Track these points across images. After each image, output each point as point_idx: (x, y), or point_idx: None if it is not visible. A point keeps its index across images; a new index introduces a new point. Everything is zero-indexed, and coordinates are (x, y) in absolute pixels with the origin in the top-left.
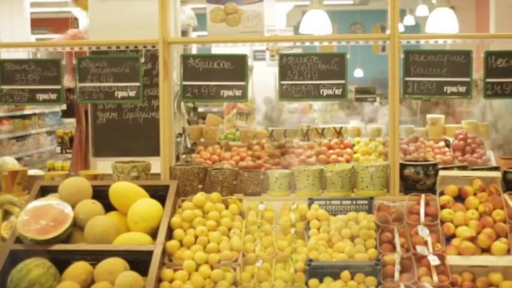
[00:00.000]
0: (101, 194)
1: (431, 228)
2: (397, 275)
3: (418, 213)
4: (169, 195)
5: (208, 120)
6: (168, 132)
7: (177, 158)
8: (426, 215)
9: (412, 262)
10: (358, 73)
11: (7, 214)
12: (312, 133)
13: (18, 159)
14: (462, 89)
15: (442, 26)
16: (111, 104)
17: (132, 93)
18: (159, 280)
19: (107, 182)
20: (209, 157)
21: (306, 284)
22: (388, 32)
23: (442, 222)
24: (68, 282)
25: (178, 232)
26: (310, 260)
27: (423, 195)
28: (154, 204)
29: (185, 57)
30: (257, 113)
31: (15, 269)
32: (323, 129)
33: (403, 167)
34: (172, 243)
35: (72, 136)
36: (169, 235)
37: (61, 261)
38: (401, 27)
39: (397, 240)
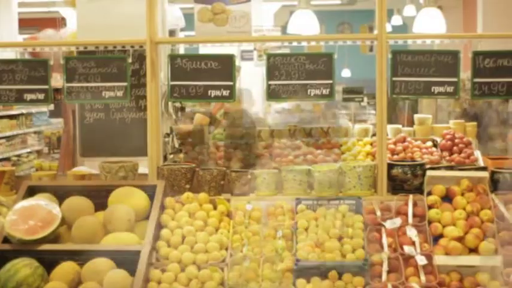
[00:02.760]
0: (88, 195)
1: (419, 228)
2: (384, 275)
3: (406, 214)
4: (156, 195)
5: (196, 120)
6: (156, 132)
7: (165, 158)
8: (414, 215)
9: (400, 262)
10: (346, 73)
11: None
12: (300, 133)
13: (6, 159)
14: (450, 89)
15: (430, 26)
16: (98, 104)
17: (120, 93)
18: (147, 280)
19: (95, 182)
20: (196, 157)
21: (294, 284)
22: (375, 32)
23: (430, 222)
24: (56, 282)
25: (165, 232)
26: (298, 260)
27: (411, 196)
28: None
29: (172, 57)
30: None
31: (3, 269)
32: (310, 129)
33: (390, 167)
34: (160, 244)
35: (60, 136)
36: (157, 235)
37: (49, 261)
38: (388, 27)
39: (385, 241)
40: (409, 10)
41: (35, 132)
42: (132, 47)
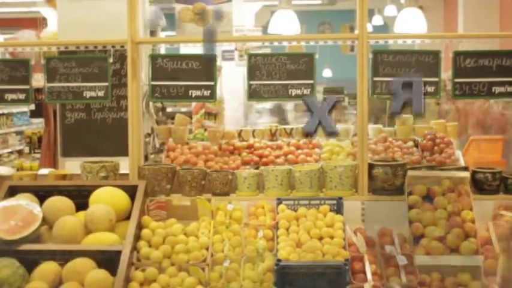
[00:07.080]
0: (69, 195)
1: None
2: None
3: None
4: (137, 195)
5: (176, 120)
6: (137, 132)
7: (146, 158)
8: None
9: (381, 262)
10: (327, 73)
11: None
12: (281, 133)
13: None
14: (431, 89)
15: (411, 26)
16: (79, 104)
17: (101, 93)
18: (128, 280)
19: (76, 182)
20: (177, 157)
21: (275, 284)
22: (356, 32)
23: (411, 222)
24: (37, 282)
25: (146, 232)
26: (279, 260)
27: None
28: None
29: (154, 57)
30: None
31: None
32: (291, 129)
33: (371, 167)
34: (141, 244)
35: (41, 136)
36: (138, 235)
37: (30, 261)
38: (369, 27)
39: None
40: (390, 10)
41: (15, 132)
42: (113, 47)
